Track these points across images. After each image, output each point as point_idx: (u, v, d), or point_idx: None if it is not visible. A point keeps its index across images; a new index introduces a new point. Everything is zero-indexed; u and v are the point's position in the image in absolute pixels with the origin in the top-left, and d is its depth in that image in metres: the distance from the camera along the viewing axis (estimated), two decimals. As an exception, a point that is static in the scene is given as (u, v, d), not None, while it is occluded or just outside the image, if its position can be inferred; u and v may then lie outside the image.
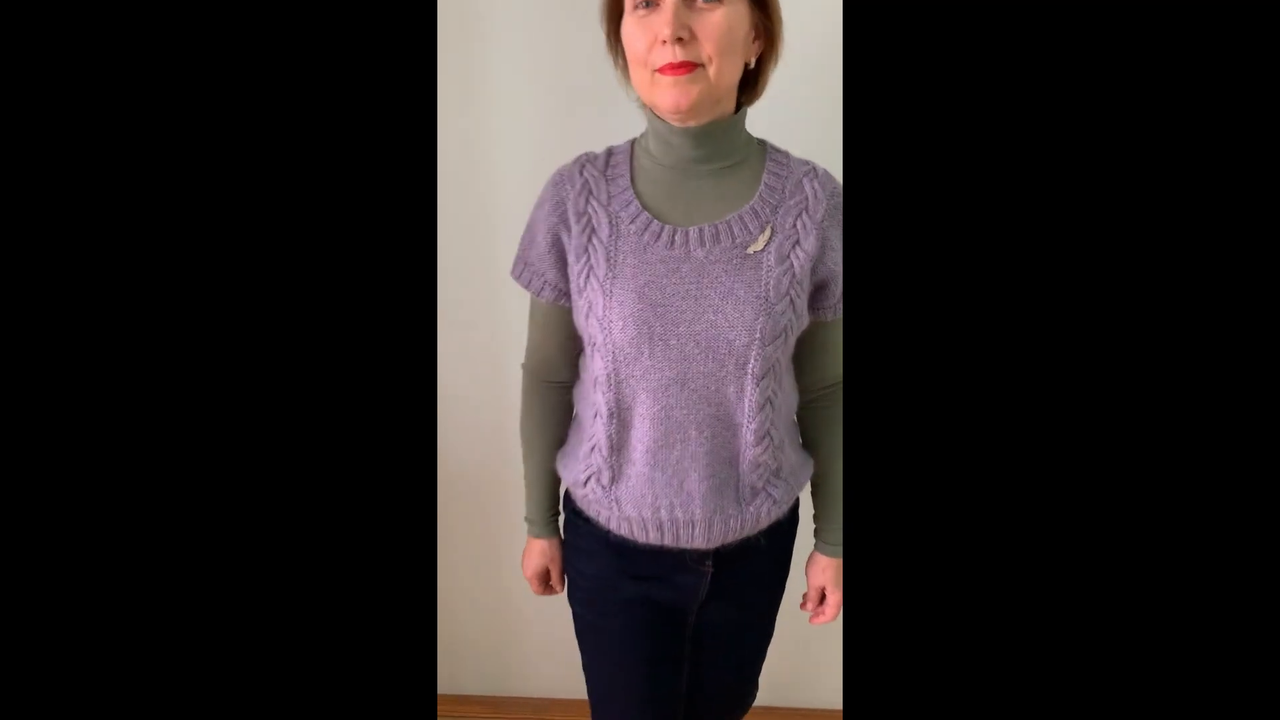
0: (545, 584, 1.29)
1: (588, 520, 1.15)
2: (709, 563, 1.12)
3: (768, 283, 1.00)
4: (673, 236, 1.02)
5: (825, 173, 1.07)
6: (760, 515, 1.08)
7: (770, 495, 1.08)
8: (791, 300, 1.01)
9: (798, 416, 1.18)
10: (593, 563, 1.19)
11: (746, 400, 1.02)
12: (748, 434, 1.04)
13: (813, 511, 1.21)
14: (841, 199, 1.06)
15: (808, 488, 1.20)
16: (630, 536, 1.11)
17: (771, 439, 1.06)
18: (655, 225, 1.02)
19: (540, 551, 1.26)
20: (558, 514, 1.25)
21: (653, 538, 1.09)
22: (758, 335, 0.99)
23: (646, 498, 1.07)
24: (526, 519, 1.26)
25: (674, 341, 1.00)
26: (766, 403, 1.04)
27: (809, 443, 1.19)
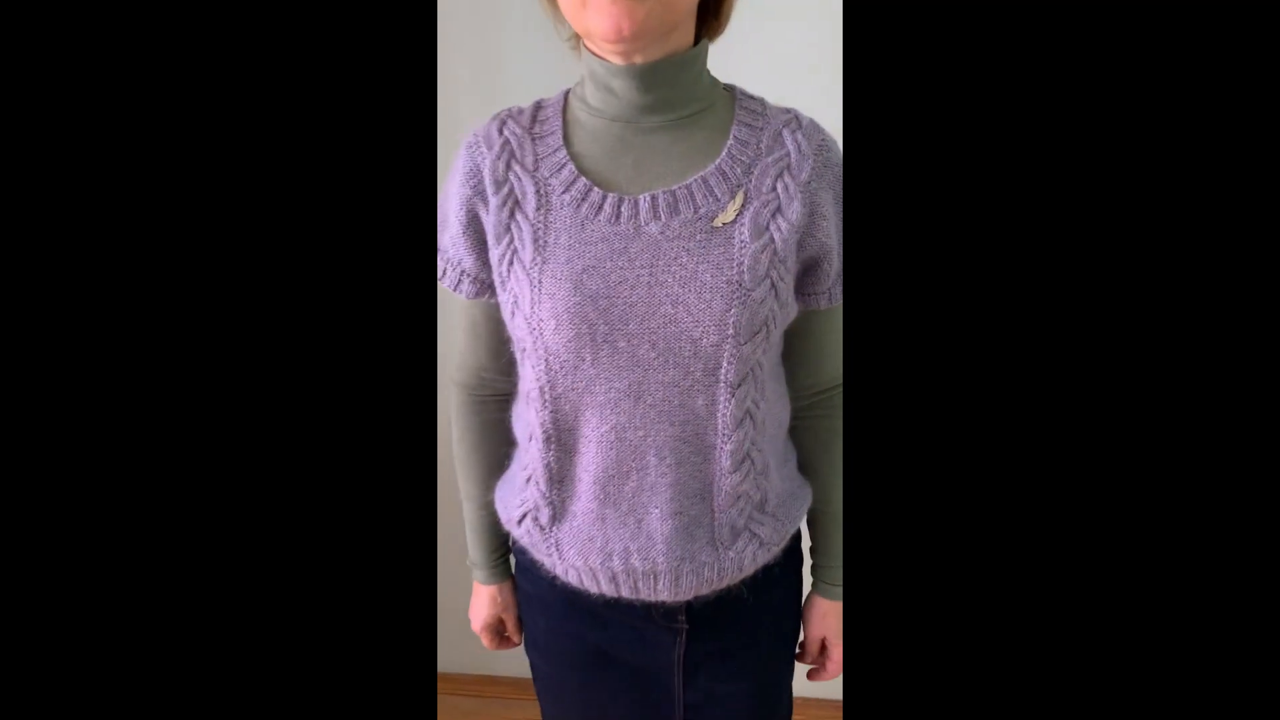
0: (499, 636, 1.06)
1: (535, 562, 0.93)
2: (681, 618, 0.89)
3: (741, 262, 0.77)
4: (618, 207, 0.79)
5: (811, 122, 0.84)
6: (742, 561, 0.85)
7: (754, 535, 0.86)
8: (773, 284, 0.78)
9: (791, 432, 0.95)
10: (545, 613, 0.97)
11: (719, 415, 0.80)
12: (723, 458, 0.81)
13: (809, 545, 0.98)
14: (835, 153, 0.83)
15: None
16: (579, 586, 0.89)
17: (753, 463, 0.83)
18: (595, 194, 0.80)
19: (489, 600, 1.03)
20: (508, 553, 1.03)
21: (605, 589, 0.87)
22: (730, 331, 0.77)
23: (595, 541, 0.84)
24: (469, 562, 1.03)
25: (623, 343, 0.78)
26: (745, 417, 0.81)
27: (804, 463, 0.96)
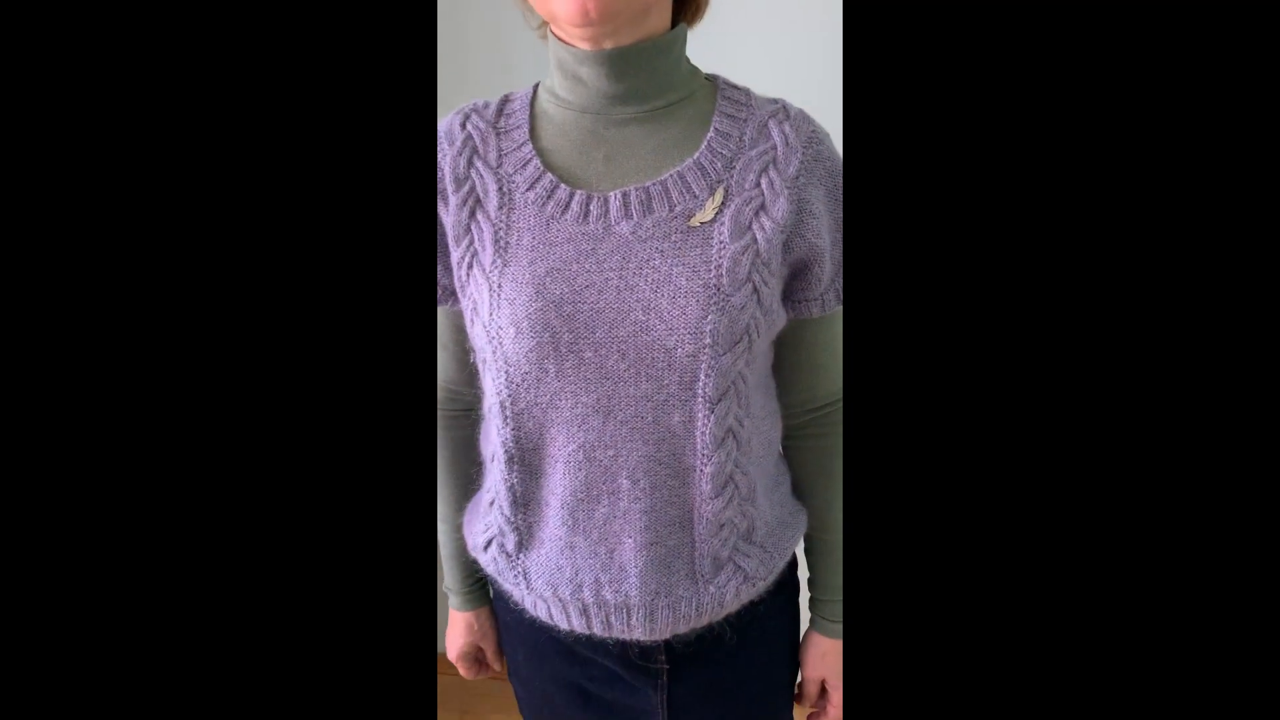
0: (478, 664, 0.99)
1: (506, 592, 0.86)
2: (662, 658, 0.82)
3: (720, 265, 0.70)
4: (586, 205, 0.72)
5: (800, 113, 0.77)
6: (724, 597, 0.78)
7: (739, 568, 0.78)
8: (755, 289, 0.71)
9: (784, 451, 0.88)
10: (522, 645, 0.90)
11: (698, 433, 0.72)
12: (703, 482, 0.74)
13: (808, 577, 0.90)
14: (827, 146, 0.76)
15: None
16: (548, 621, 0.81)
17: (738, 487, 0.76)
18: (562, 191, 0.73)
19: (465, 628, 0.96)
20: (484, 578, 0.96)
21: (576, 624, 0.80)
22: (707, 340, 0.69)
23: (564, 571, 0.77)
24: (445, 588, 0.96)
25: (589, 353, 0.71)
26: (728, 436, 0.73)
27: (799, 487, 0.88)
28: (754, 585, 0.79)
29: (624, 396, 0.71)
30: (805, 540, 0.89)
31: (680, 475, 0.74)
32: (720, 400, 0.72)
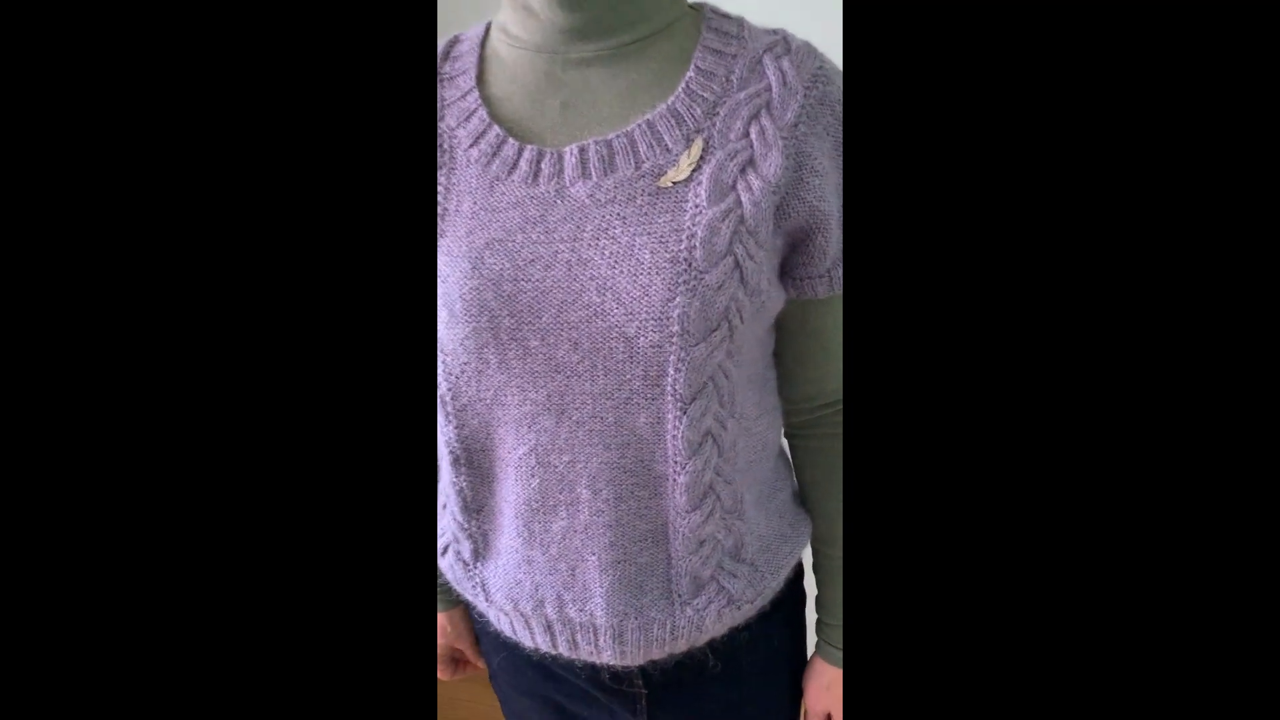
0: (455, 664, 0.90)
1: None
2: (639, 682, 0.71)
3: (693, 234, 0.58)
4: (536, 164, 0.60)
5: (805, 46, 0.63)
6: (702, 621, 0.66)
7: (723, 589, 0.66)
8: (737, 263, 0.58)
9: (790, 452, 0.75)
10: (495, 654, 0.80)
11: (669, 438, 0.60)
12: (677, 493, 0.62)
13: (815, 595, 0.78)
14: (837, 86, 0.62)
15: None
16: (511, 636, 0.72)
17: (719, 499, 0.64)
18: (510, 147, 0.61)
19: (439, 629, 0.87)
20: None
21: (540, 642, 0.69)
22: (675, 327, 0.57)
23: (524, 586, 0.67)
24: None
25: (535, 342, 0.59)
26: (705, 440, 0.61)
27: (805, 495, 0.75)
28: (738, 610, 0.67)
29: (578, 393, 0.60)
30: (813, 554, 0.76)
31: (650, 485, 0.62)
32: (695, 399, 0.60)
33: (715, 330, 0.58)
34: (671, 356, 0.58)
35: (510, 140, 0.61)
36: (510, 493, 0.65)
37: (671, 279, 0.57)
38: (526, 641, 0.71)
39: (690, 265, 0.57)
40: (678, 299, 0.57)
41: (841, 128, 0.62)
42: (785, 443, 0.75)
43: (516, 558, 0.66)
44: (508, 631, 0.72)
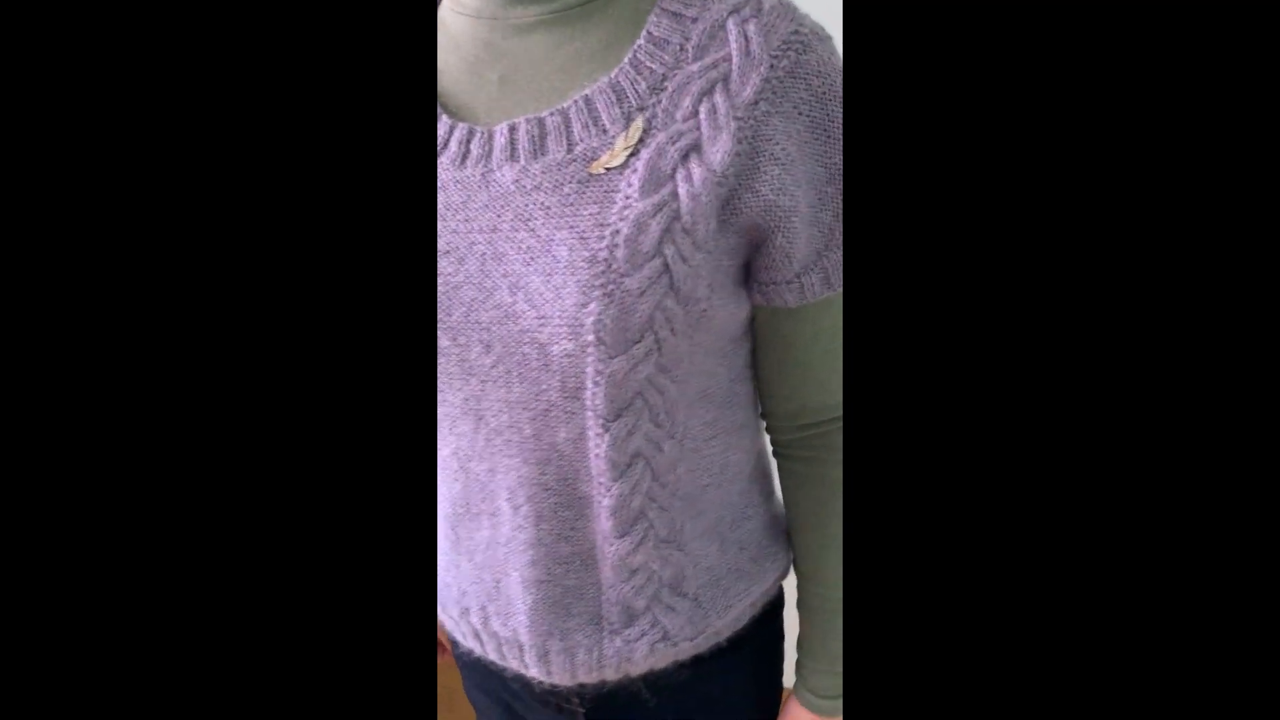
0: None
1: None
2: (575, 701, 0.66)
3: (617, 231, 0.50)
4: (466, 143, 0.55)
5: (780, 7, 0.53)
6: (632, 653, 0.60)
7: (658, 623, 0.59)
8: (667, 266, 0.50)
9: (779, 473, 0.67)
10: (456, 646, 0.78)
11: (592, 456, 0.54)
12: (602, 517, 0.56)
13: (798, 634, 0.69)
14: (815, 57, 0.52)
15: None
16: (452, 635, 0.69)
17: (652, 526, 0.57)
18: (441, 125, 0.56)
19: None
20: None
21: (473, 646, 0.66)
22: (590, 336, 0.50)
23: (451, 590, 0.64)
24: None
25: (446, 341, 0.54)
26: (635, 461, 0.55)
27: (790, 522, 0.67)
28: (674, 646, 0.60)
29: (494, 400, 0.54)
30: (798, 590, 0.68)
31: (574, 506, 0.56)
32: (619, 416, 0.53)
33: (638, 343, 0.51)
34: (589, 369, 0.51)
35: (443, 117, 0.56)
36: (440, 494, 0.61)
37: (586, 281, 0.50)
38: (462, 643, 0.67)
39: (609, 267, 0.50)
40: (592, 305, 0.50)
41: (826, 105, 0.52)
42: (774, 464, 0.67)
43: (445, 560, 0.63)
44: (449, 629, 0.68)
